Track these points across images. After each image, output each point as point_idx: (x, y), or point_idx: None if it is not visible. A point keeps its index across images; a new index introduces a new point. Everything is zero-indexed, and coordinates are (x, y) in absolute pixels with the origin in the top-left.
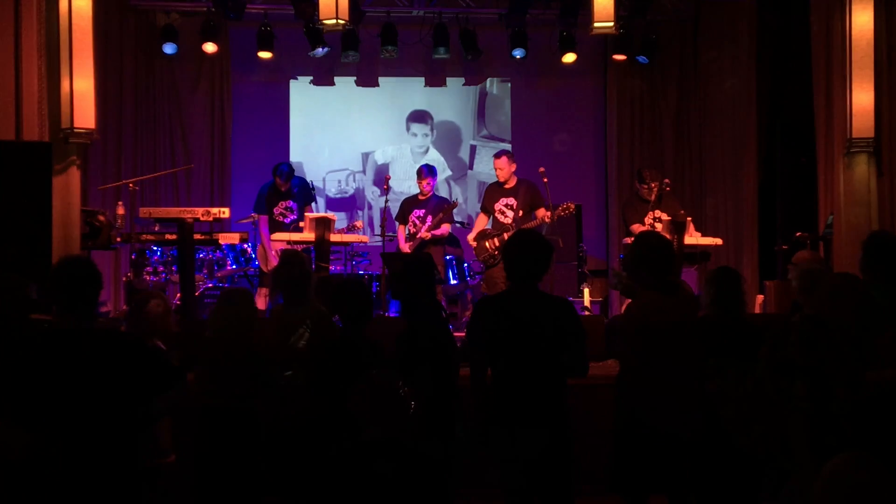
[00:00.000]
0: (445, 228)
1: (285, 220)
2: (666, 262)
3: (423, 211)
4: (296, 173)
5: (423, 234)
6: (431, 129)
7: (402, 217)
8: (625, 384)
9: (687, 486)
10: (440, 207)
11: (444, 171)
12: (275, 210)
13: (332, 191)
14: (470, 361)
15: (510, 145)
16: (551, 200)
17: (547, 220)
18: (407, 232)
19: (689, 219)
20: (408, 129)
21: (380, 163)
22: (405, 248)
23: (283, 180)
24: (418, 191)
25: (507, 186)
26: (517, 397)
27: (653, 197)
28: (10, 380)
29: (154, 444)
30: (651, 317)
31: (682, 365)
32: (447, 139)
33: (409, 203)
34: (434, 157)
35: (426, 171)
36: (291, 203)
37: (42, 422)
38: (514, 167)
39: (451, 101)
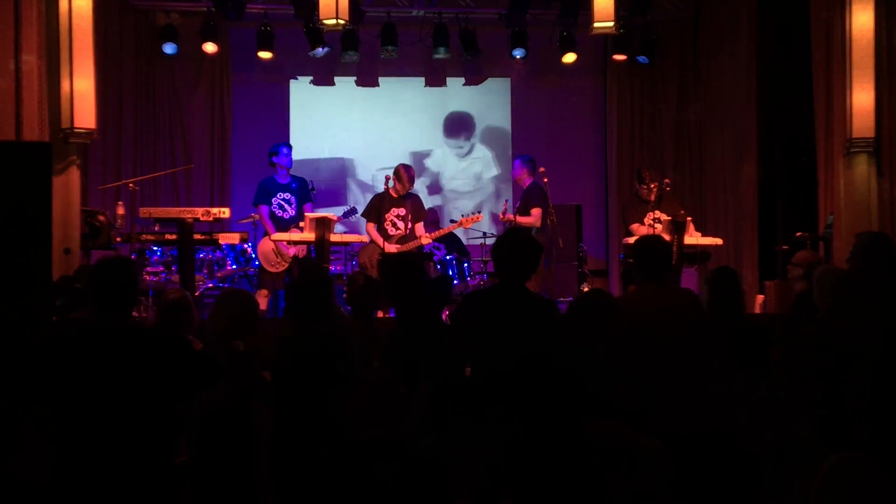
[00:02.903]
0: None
1: (283, 215)
2: (666, 263)
3: (404, 210)
4: (347, 171)
5: (426, 238)
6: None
7: (375, 215)
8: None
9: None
10: (419, 205)
11: (489, 169)
12: (273, 200)
13: (381, 188)
14: (449, 354)
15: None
16: (552, 201)
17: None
18: (383, 232)
19: (689, 219)
20: (447, 134)
21: (427, 163)
22: (391, 248)
23: (280, 159)
24: (405, 187)
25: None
26: (494, 393)
27: (653, 197)
28: (50, 377)
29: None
30: (647, 312)
31: (680, 362)
32: (489, 141)
33: (383, 200)
34: (481, 155)
35: (410, 167)
36: (290, 196)
37: (81, 419)
38: (523, 172)
39: (492, 103)
